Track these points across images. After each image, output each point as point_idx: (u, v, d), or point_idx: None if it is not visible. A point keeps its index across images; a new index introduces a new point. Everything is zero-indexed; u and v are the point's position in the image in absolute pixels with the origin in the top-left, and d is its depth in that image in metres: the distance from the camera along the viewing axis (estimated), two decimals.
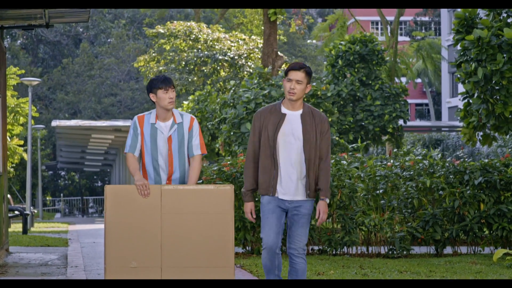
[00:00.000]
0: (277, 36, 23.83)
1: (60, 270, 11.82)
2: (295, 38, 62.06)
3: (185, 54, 35.45)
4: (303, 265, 7.14)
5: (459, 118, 15.12)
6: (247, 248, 13.76)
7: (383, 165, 14.38)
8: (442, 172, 13.79)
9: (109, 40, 67.68)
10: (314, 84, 21.72)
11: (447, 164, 13.93)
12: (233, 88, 23.83)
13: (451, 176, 13.75)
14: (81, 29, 69.49)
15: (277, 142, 7.09)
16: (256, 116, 7.22)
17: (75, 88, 63.51)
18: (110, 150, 47.70)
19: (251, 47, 34.61)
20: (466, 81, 14.17)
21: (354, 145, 20.58)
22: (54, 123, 35.08)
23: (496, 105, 13.87)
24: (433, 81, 56.28)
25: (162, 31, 36.32)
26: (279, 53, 23.36)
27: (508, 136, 28.15)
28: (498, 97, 13.99)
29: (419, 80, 62.02)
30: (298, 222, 7.12)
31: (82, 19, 13.89)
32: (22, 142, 28.61)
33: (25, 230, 22.94)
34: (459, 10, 18.56)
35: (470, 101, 14.61)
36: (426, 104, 69.00)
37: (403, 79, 56.60)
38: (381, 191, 13.84)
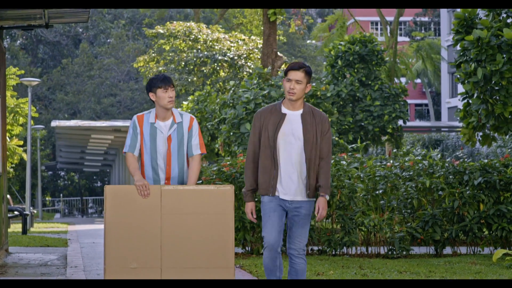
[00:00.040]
0: (277, 37, 23.84)
1: (60, 271, 11.82)
2: (294, 39, 62.06)
3: (185, 55, 35.45)
4: (303, 265, 7.13)
5: (458, 118, 15.13)
6: (247, 248, 13.76)
7: (382, 166, 14.38)
8: (442, 173, 13.80)
9: (108, 40, 67.69)
10: (314, 84, 21.73)
11: (447, 165, 13.93)
12: (232, 89, 23.83)
13: (450, 177, 13.75)
14: (80, 30, 69.49)
15: (278, 142, 7.07)
16: (256, 116, 7.20)
17: (74, 88, 63.51)
18: (109, 151, 47.69)
19: (250, 48, 34.61)
20: (466, 81, 14.18)
21: (353, 145, 20.58)
22: (54, 123, 35.08)
23: (496, 106, 13.87)
24: (433, 81, 56.29)
25: (161, 31, 36.31)
26: (278, 53, 23.37)
27: (507, 136, 28.15)
28: (497, 98, 13.99)
29: (418, 81, 62.03)
30: (298, 223, 7.11)
31: (82, 19, 13.89)
32: (21, 143, 28.61)
33: (24, 231, 22.93)
34: (458, 10, 18.52)
35: (470, 101, 14.62)
36: (426, 105, 69.01)
37: (403, 80, 56.62)
38: (380, 191, 13.84)
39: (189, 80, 35.01)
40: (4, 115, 14.84)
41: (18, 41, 68.70)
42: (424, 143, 36.24)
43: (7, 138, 25.90)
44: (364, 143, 23.09)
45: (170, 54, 36.29)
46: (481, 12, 16.00)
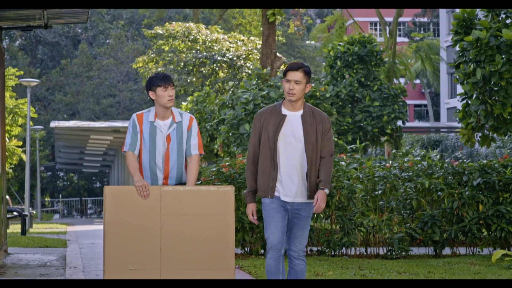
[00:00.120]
0: (276, 37, 23.84)
1: (59, 271, 11.82)
2: (293, 39, 62.05)
3: (184, 55, 35.45)
4: (303, 266, 7.11)
5: (457, 119, 15.13)
6: (246, 249, 13.76)
7: (381, 166, 14.38)
8: (441, 173, 13.80)
9: (107, 41, 67.67)
10: (313, 85, 21.73)
11: (446, 165, 13.94)
12: (231, 89, 23.83)
13: (449, 177, 13.75)
14: (79, 30, 69.47)
15: (278, 144, 7.03)
16: (256, 117, 7.16)
17: (73, 89, 63.50)
18: (108, 151, 47.67)
19: (249, 48, 34.61)
20: (465, 82, 14.18)
21: (352, 146, 20.59)
22: (53, 124, 35.07)
23: (495, 106, 13.87)
24: (432, 82, 56.30)
25: (160, 32, 36.31)
26: (277, 54, 23.36)
27: (506, 137, 28.15)
28: (496, 98, 14.00)
29: (417, 81, 62.05)
30: (299, 225, 7.08)
31: (81, 20, 13.88)
32: (20, 143, 28.58)
33: (23, 231, 22.93)
34: (457, 11, 18.49)
35: (469, 102, 14.62)
36: (425, 105, 69.02)
37: (402, 80, 56.62)
38: (379, 192, 13.84)
39: (188, 80, 35.01)
40: (3, 115, 14.84)
41: (17, 42, 68.70)
42: (423, 143, 36.25)
43: (6, 138, 25.89)
44: (363, 143, 23.11)
45: (169, 55, 36.29)
46: (480, 13, 15.99)
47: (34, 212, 39.43)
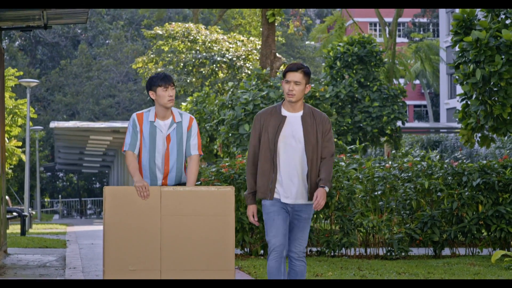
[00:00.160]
0: (275, 38, 23.82)
1: (59, 272, 11.82)
2: (293, 40, 62.06)
3: (183, 56, 35.45)
4: (303, 267, 7.10)
5: (457, 119, 15.13)
6: (245, 249, 13.76)
7: (381, 167, 14.38)
8: (441, 174, 13.80)
9: (107, 41, 67.68)
10: (313, 85, 21.73)
11: (446, 166, 13.94)
12: (231, 90, 23.83)
13: (449, 178, 13.75)
14: (79, 31, 69.47)
15: (278, 145, 6.98)
16: (256, 118, 7.13)
17: (73, 89, 63.50)
18: (108, 152, 47.69)
19: (249, 49, 34.60)
20: (465, 82, 14.18)
21: (352, 146, 20.59)
22: (52, 124, 35.08)
23: (494, 107, 13.88)
24: (431, 82, 56.30)
25: (160, 32, 36.31)
26: (277, 54, 23.36)
27: (506, 137, 28.14)
28: (496, 99, 14.00)
29: (417, 82, 62.04)
30: (299, 227, 7.05)
31: (80, 20, 13.88)
32: (20, 144, 28.59)
33: (23, 232, 22.92)
34: (457, 11, 18.49)
35: (469, 102, 14.62)
36: (425, 106, 69.03)
37: (401, 81, 56.61)
38: (379, 192, 13.84)
39: (188, 81, 35.02)
40: (3, 116, 14.84)
41: (17, 42, 68.70)
42: (423, 144, 36.25)
43: (6, 139, 25.89)
44: (363, 144, 23.11)
45: (169, 55, 36.29)
46: (479, 13, 16.00)
47: (34, 212, 39.43)
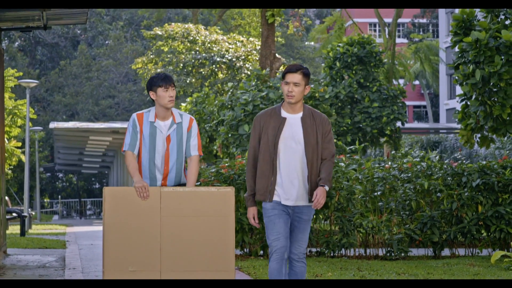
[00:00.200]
0: (275, 38, 23.83)
1: (58, 272, 11.81)
2: (293, 40, 62.06)
3: (183, 56, 35.45)
4: (303, 268, 7.09)
5: (457, 120, 15.14)
6: (245, 250, 13.76)
7: (381, 167, 14.38)
8: (440, 174, 13.80)
9: (107, 42, 67.67)
10: (312, 86, 21.73)
11: (445, 166, 13.94)
12: (231, 90, 23.83)
13: (449, 178, 13.75)
14: (78, 31, 69.46)
15: (278, 147, 6.95)
16: (256, 120, 7.10)
17: (72, 90, 63.49)
18: (108, 152, 47.69)
19: (249, 49, 34.60)
20: (464, 83, 14.18)
21: (352, 147, 20.58)
22: (52, 125, 35.08)
23: (494, 107, 13.88)
24: (431, 83, 56.31)
25: (160, 33, 36.31)
26: (277, 55, 23.36)
27: (506, 138, 28.15)
28: (495, 99, 14.00)
29: (417, 82, 62.05)
30: (299, 228, 7.03)
31: (80, 21, 13.88)
32: (20, 144, 28.58)
33: (23, 232, 22.91)
34: (457, 12, 18.49)
35: (468, 103, 14.62)
36: (424, 106, 69.03)
37: (401, 81, 56.62)
38: (379, 193, 13.84)
39: (188, 81, 35.01)
40: (2, 116, 14.84)
41: (16, 43, 68.69)
42: (423, 144, 36.24)
43: (6, 139, 25.88)
44: (362, 144, 23.08)
45: (169, 56, 36.28)
46: (479, 14, 16.00)
47: (33, 213, 39.43)
